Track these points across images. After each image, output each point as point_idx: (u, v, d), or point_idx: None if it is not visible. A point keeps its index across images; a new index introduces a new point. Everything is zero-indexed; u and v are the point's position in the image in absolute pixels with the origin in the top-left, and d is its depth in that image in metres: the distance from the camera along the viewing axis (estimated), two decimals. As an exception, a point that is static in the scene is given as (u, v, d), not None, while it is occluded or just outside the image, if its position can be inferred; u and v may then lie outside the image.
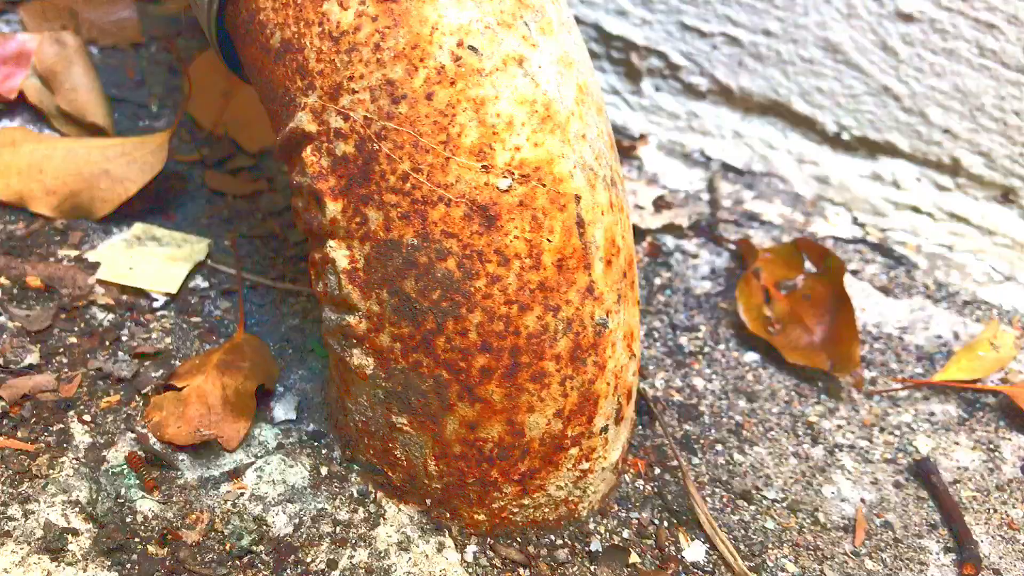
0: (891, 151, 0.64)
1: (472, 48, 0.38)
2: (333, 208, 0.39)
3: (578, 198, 0.39)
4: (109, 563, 0.39)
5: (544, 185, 0.38)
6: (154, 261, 0.55)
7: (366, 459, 0.44)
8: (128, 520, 0.41)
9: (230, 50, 0.46)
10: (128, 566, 0.39)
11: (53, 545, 0.39)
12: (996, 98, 0.59)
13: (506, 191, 0.38)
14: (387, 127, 0.38)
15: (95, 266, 0.54)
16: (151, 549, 0.40)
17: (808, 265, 0.59)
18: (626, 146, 0.70)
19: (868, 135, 0.64)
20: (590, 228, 0.39)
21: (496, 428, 0.40)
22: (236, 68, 0.47)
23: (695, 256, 0.63)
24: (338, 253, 0.40)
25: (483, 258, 0.38)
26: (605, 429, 0.42)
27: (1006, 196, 0.62)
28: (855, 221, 0.66)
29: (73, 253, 0.56)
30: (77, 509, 0.41)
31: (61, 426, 0.45)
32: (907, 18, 0.60)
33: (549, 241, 0.38)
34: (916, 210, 0.65)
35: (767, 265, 0.60)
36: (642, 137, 0.71)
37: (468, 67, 0.37)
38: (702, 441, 0.50)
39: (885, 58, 0.61)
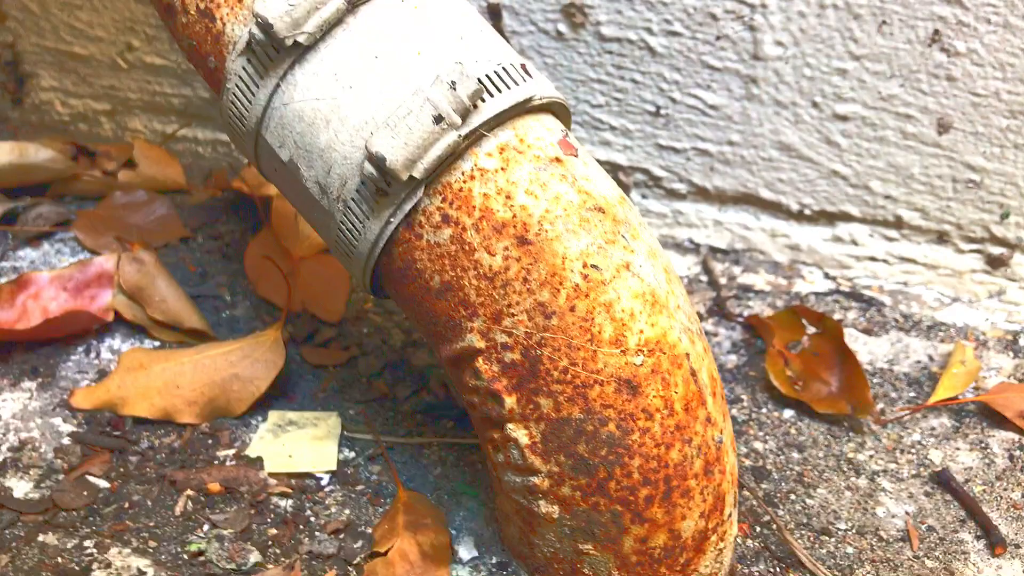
0: (846, 218, 0.80)
1: (594, 266, 0.51)
2: (509, 401, 0.52)
3: (687, 355, 0.53)
4: None
5: (664, 353, 0.52)
6: (304, 444, 0.67)
7: (555, 578, 0.57)
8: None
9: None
10: None
11: None
12: (921, 167, 0.76)
13: (640, 365, 0.51)
14: (544, 337, 0.51)
15: (258, 460, 0.65)
16: None
17: (809, 327, 0.74)
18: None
19: (825, 208, 0.80)
20: (699, 373, 0.53)
21: (661, 537, 0.53)
22: (374, 291, 0.58)
23: (715, 335, 0.78)
24: (518, 433, 0.52)
25: (634, 418, 0.51)
26: (731, 514, 0.56)
27: (940, 238, 0.79)
28: (826, 276, 0.82)
29: (231, 452, 0.66)
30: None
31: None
32: (843, 118, 0.76)
33: (676, 392, 0.52)
34: (873, 259, 0.81)
35: (776, 331, 0.75)
36: None
37: (595, 281, 0.51)
38: (779, 494, 0.65)
39: (830, 150, 0.77)
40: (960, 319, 0.78)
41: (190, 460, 0.65)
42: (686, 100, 0.77)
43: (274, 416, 0.68)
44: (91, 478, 0.63)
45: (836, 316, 0.78)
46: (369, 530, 0.60)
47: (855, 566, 0.59)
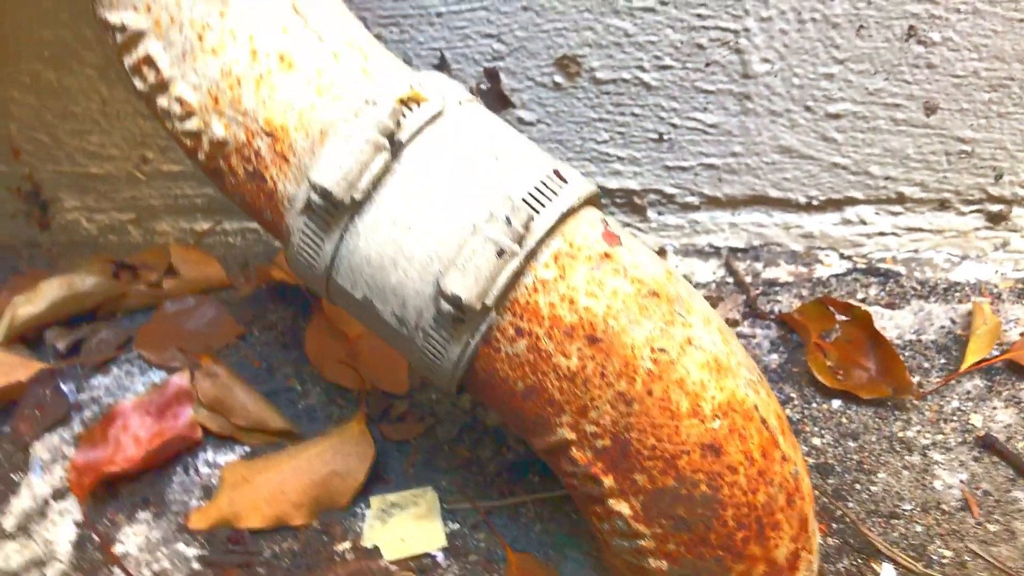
0: (852, 202, 0.85)
1: (661, 349, 0.57)
2: (607, 481, 0.58)
3: (756, 406, 0.59)
4: None
5: (736, 411, 0.58)
6: (411, 524, 0.73)
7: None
8: None
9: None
10: None
11: None
12: (915, 148, 0.81)
13: (718, 428, 0.57)
14: (630, 422, 0.57)
15: (375, 551, 0.72)
16: None
17: (838, 315, 0.80)
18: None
19: (831, 197, 0.85)
20: (768, 419, 0.60)
21: (760, 568, 0.60)
22: (458, 392, 0.64)
23: (753, 336, 0.84)
24: (620, 507, 0.59)
25: (721, 476, 0.57)
26: (814, 528, 0.63)
27: (942, 205, 0.85)
28: (842, 256, 0.88)
29: (348, 545, 0.73)
30: None
31: None
32: (836, 116, 0.81)
33: (752, 443, 0.58)
34: (882, 234, 0.87)
35: (809, 325, 0.81)
36: (661, 251, 0.90)
37: (664, 363, 0.57)
38: (845, 487, 0.72)
39: (828, 145, 0.82)
40: (972, 275, 0.84)
41: (313, 560, 0.71)
42: (686, 124, 0.82)
43: (376, 502, 0.75)
44: (232, 598, 0.69)
45: (859, 295, 0.84)
46: (494, 599, 0.67)
47: (926, 543, 0.66)
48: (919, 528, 0.67)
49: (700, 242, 0.89)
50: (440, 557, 0.70)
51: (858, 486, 0.70)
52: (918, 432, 0.73)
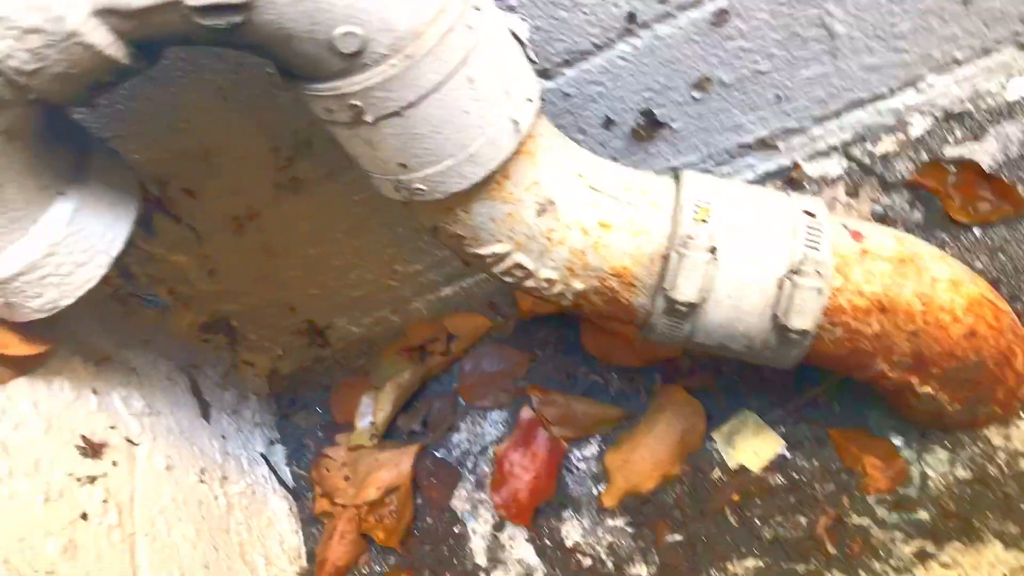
0: (921, 79, 1.14)
1: (923, 293, 0.89)
2: (914, 380, 0.91)
3: (980, 292, 0.92)
4: None
5: (974, 303, 0.90)
6: (752, 440, 1.06)
7: None
8: None
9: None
10: None
11: None
12: (960, 28, 1.09)
13: (970, 320, 0.90)
14: (919, 343, 0.89)
15: (742, 468, 1.06)
16: None
17: (950, 167, 1.11)
18: (792, 179, 1.19)
19: (906, 80, 1.14)
20: (987, 295, 0.92)
21: (1011, 378, 0.95)
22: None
23: (893, 205, 1.15)
24: (925, 389, 0.93)
25: (980, 345, 0.90)
26: (1027, 340, 0.97)
27: (986, 51, 1.14)
28: (922, 115, 1.17)
29: (718, 473, 1.07)
30: None
31: None
32: (902, 36, 1.08)
33: (988, 316, 0.91)
34: (946, 90, 1.16)
35: (930, 180, 1.12)
36: (795, 164, 1.19)
37: (927, 299, 0.88)
38: (1013, 289, 1.05)
39: (897, 55, 1.10)
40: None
41: (704, 491, 1.05)
42: (794, 82, 1.09)
43: (718, 436, 1.08)
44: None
45: (949, 139, 1.14)
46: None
47: (1084, 307, 1.01)
48: (1074, 298, 1.01)
49: (820, 146, 1.18)
50: (786, 453, 1.04)
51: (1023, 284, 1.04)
52: (1041, 230, 1.06)
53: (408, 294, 1.21)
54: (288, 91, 0.74)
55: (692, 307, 0.84)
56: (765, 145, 1.13)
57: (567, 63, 0.98)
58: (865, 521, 0.96)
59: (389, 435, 1.19)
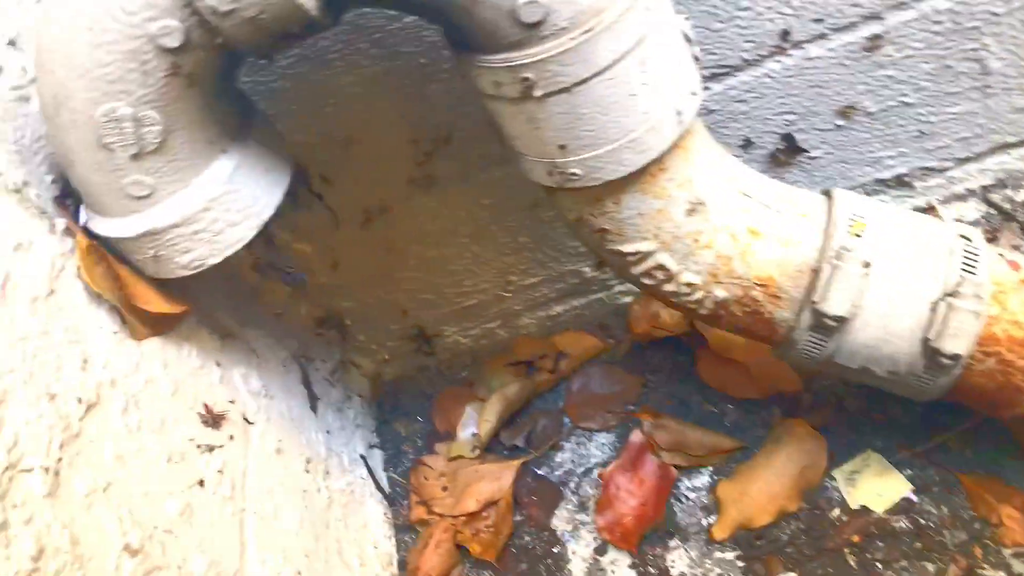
0: None
1: None
2: None
3: None
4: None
5: None
6: (876, 481, 1.02)
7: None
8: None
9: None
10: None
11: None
12: None
13: None
14: None
15: (863, 509, 1.01)
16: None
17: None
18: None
19: None
20: None
21: None
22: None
23: None
24: None
25: None
26: None
27: None
28: (1070, 162, 1.14)
29: (838, 512, 1.02)
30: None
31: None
32: None
33: None
34: (1098, 137, 1.12)
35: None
36: (929, 206, 1.16)
37: None
38: None
39: None
40: None
41: (821, 530, 1.00)
42: (940, 118, 1.06)
43: (839, 474, 1.03)
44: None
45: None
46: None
47: None
48: None
49: (959, 189, 1.14)
50: (912, 497, 0.99)
51: None
52: None
53: (519, 308, 1.20)
54: (456, 62, 0.74)
55: (841, 322, 0.81)
56: (902, 183, 1.10)
57: (714, 77, 0.97)
58: (1000, 574, 0.91)
59: (489, 449, 1.16)
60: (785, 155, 1.05)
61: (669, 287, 0.85)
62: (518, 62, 0.68)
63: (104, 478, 0.70)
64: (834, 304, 0.80)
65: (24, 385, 0.66)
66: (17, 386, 0.65)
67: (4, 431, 0.62)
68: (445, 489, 1.13)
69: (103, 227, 0.75)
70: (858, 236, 0.81)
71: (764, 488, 1.02)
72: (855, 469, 1.01)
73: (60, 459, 0.66)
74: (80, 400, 0.70)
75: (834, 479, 1.02)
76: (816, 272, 0.81)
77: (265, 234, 0.82)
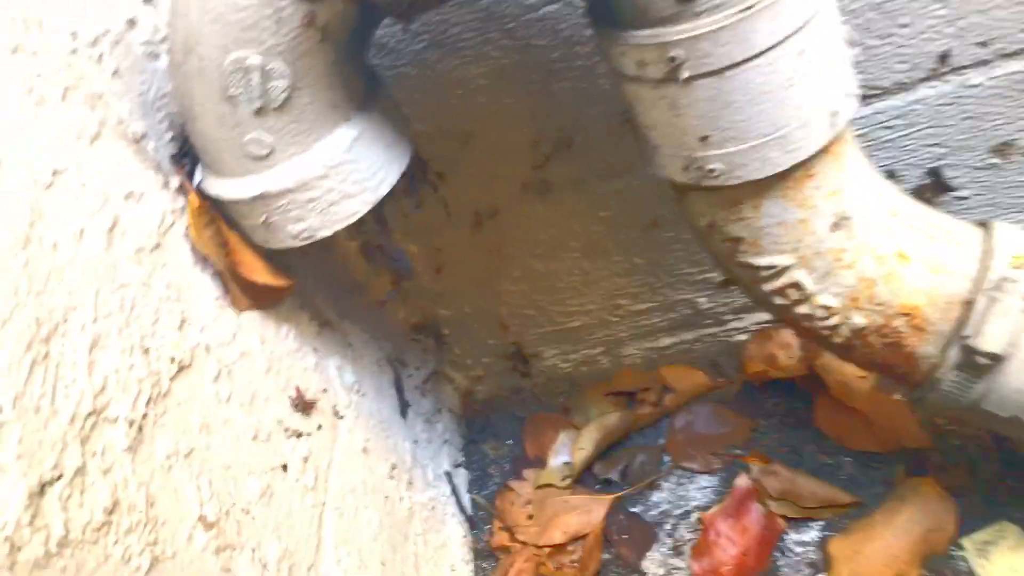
0: None
1: None
2: None
3: None
4: None
5: None
6: (1012, 556, 0.91)
7: None
8: None
9: None
10: None
11: None
12: None
13: None
14: None
15: None
16: None
17: None
18: None
19: None
20: None
21: None
22: None
23: None
24: None
25: None
26: None
27: None
28: None
29: None
30: None
31: None
32: None
33: None
34: None
35: None
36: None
37: None
38: None
39: None
40: None
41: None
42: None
43: (968, 543, 0.93)
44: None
45: None
46: None
47: None
48: None
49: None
50: (1060, 578, 0.88)
51: None
52: None
53: (625, 335, 1.14)
54: (599, 37, 0.69)
55: (994, 361, 0.73)
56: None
57: (863, 98, 0.91)
58: None
59: (580, 480, 1.09)
60: (930, 192, 0.97)
61: (802, 309, 0.78)
62: (668, 38, 0.64)
63: (187, 443, 0.66)
64: (988, 340, 0.72)
65: (119, 333, 0.62)
66: (112, 332, 0.62)
67: (94, 375, 0.59)
68: (531, 517, 1.06)
69: (217, 187, 0.73)
70: (1020, 269, 0.73)
71: (882, 548, 0.92)
72: (988, 539, 0.91)
73: (145, 415, 0.63)
74: (173, 360, 0.67)
75: (962, 548, 0.92)
76: (969, 304, 0.73)
77: (378, 214, 0.78)
